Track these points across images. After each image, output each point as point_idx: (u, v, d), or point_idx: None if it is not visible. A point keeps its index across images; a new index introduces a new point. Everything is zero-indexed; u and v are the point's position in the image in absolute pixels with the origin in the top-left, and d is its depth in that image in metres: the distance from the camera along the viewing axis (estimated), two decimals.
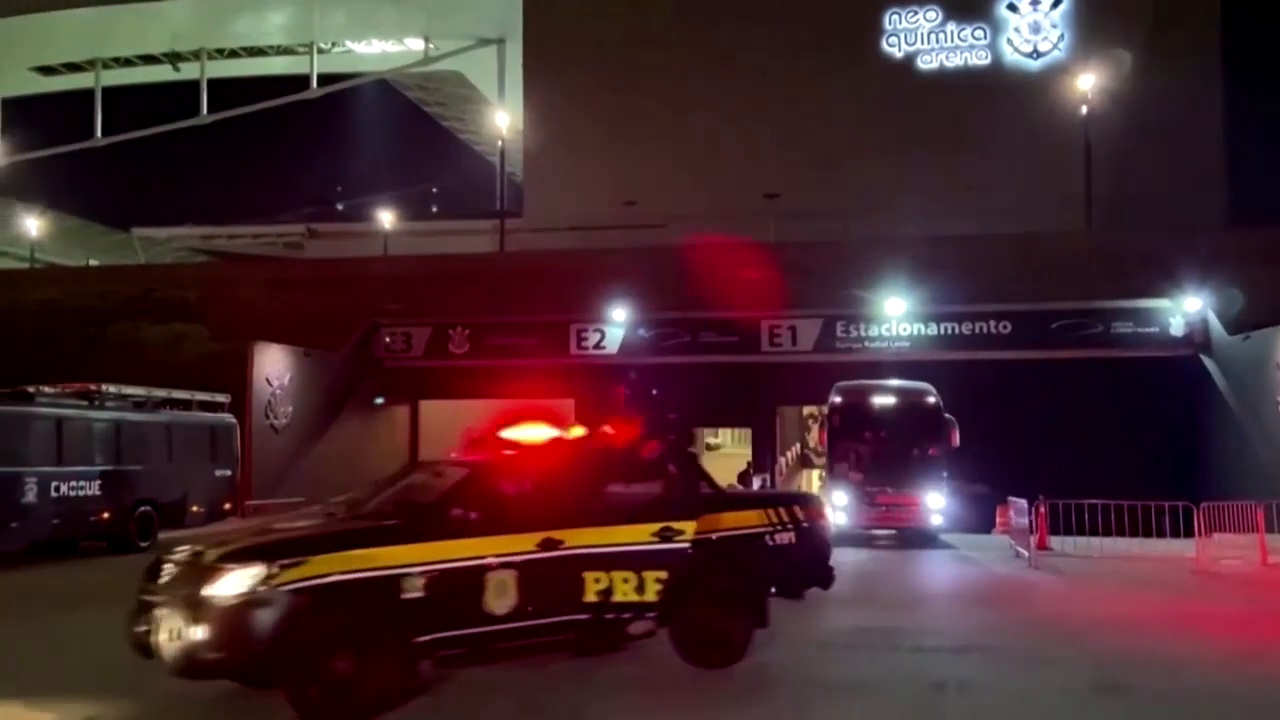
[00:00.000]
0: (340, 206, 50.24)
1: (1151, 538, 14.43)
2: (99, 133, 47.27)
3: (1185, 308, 22.55)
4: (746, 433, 33.34)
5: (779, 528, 8.14)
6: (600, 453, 7.86)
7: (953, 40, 38.91)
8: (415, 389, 28.54)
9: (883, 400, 18.58)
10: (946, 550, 16.69)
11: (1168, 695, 7.13)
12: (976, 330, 23.95)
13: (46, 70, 49.73)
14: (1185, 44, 36.23)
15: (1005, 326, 23.71)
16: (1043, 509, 15.26)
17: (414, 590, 6.51)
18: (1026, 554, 14.42)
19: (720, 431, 47.25)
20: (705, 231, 31.95)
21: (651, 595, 7.32)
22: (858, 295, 24.15)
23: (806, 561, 8.37)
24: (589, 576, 7.14)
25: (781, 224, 33.47)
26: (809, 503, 8.70)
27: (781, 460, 29.92)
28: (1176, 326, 22.82)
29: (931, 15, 39.06)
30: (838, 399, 18.55)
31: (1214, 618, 10.41)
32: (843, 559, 14.73)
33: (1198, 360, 22.34)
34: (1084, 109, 31.27)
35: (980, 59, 38.67)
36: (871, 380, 19.72)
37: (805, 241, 30.14)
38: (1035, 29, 38.38)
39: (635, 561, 7.29)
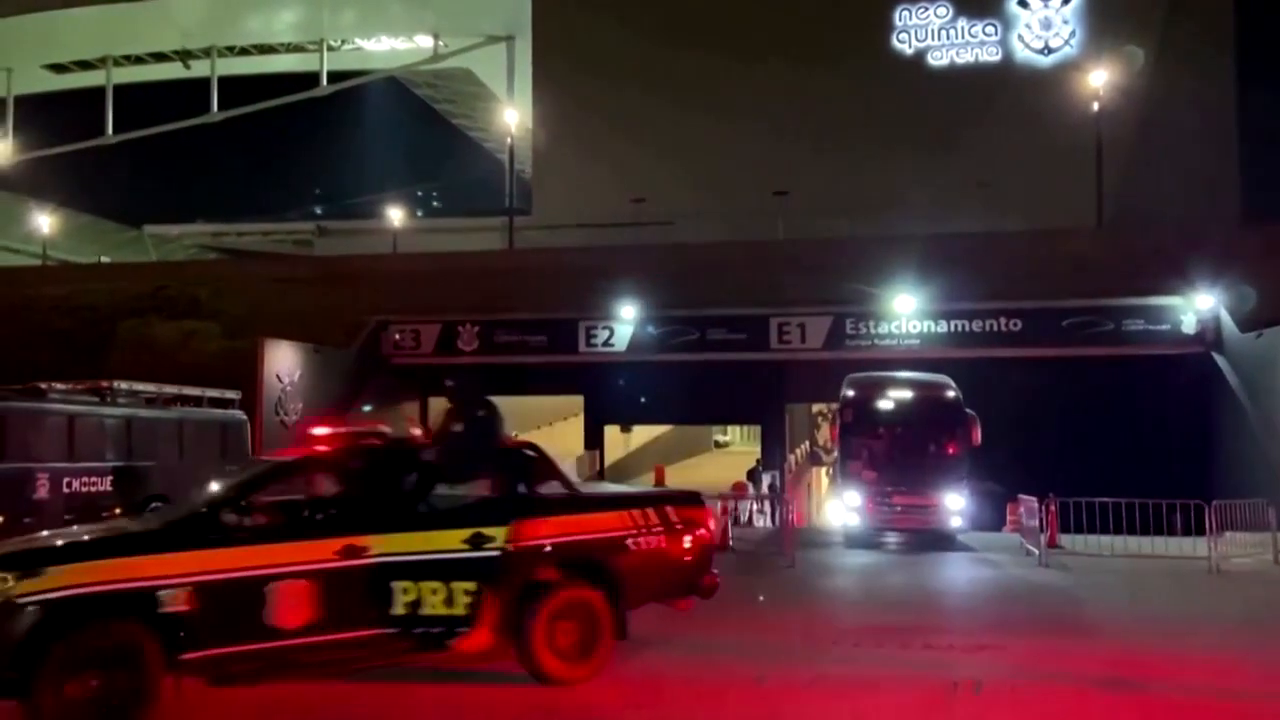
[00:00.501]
0: (349, 204, 50.34)
1: (1163, 536, 14.37)
2: (110, 130, 47.49)
3: (1197, 305, 22.42)
4: (756, 430, 33.34)
5: (645, 531, 7.43)
6: (418, 453, 7.29)
7: (963, 36, 38.78)
8: (424, 386, 28.57)
9: (899, 393, 17.41)
10: (960, 550, 16.25)
11: (1178, 694, 7.10)
12: (987, 327, 23.85)
13: (58, 68, 49.99)
14: (1198, 40, 36.07)
15: (1016, 324, 23.61)
16: (1053, 507, 15.21)
17: (175, 604, 6.00)
18: (1037, 552, 14.38)
19: (729, 429, 47.33)
20: (713, 228, 32.07)
21: (460, 608, 6.69)
22: (866, 291, 24.09)
23: (680, 568, 7.65)
24: (397, 587, 6.57)
25: (790, 221, 33.45)
26: (685, 503, 7.91)
27: (791, 458, 29.88)
28: (1188, 324, 22.69)
29: (942, 11, 38.95)
30: (851, 392, 17.47)
31: (1225, 617, 10.37)
32: (853, 560, 14.78)
33: (1209, 358, 22.22)
34: (1095, 106, 31.13)
35: (991, 55, 38.55)
36: (887, 372, 18.97)
37: (814, 239, 30.11)
38: (1046, 25, 38.23)
39: (444, 571, 6.69)
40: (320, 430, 7.37)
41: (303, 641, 6.33)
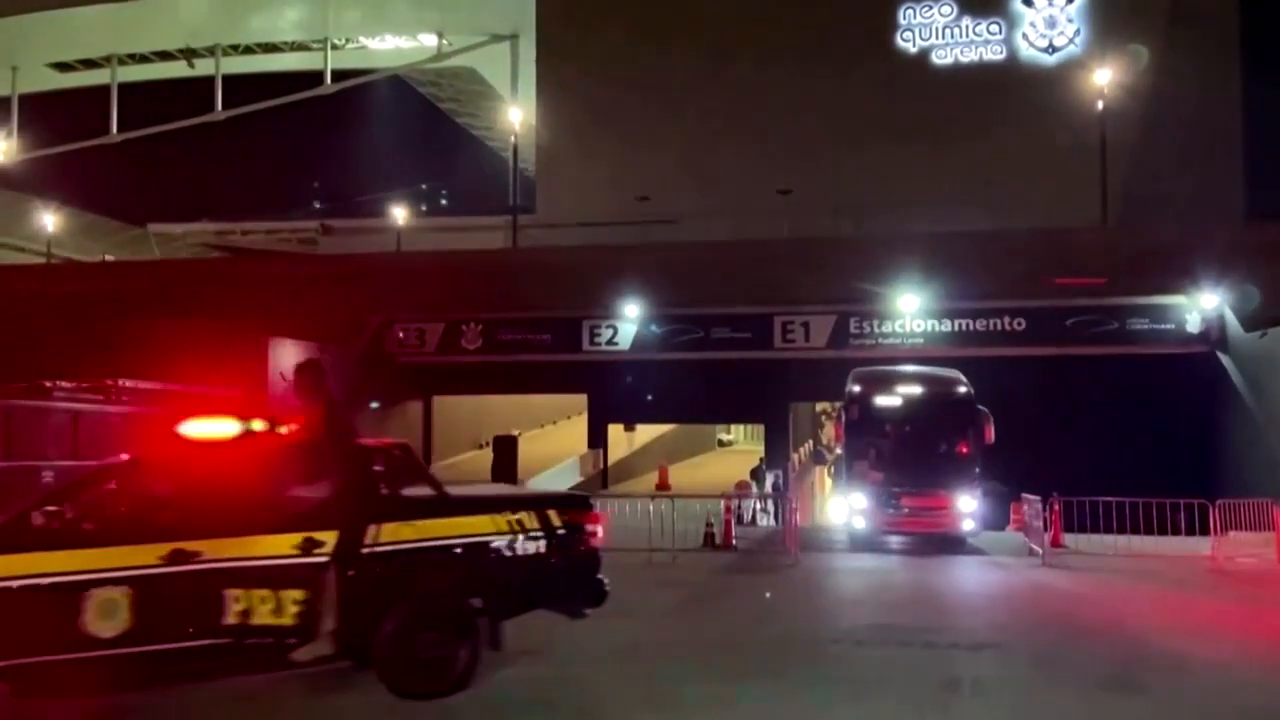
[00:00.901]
0: (354, 203, 50.41)
1: (1166, 535, 14.35)
2: (115, 129, 47.57)
3: (1201, 304, 22.41)
4: (759, 429, 33.34)
5: (522, 536, 6.92)
6: (262, 451, 6.82)
7: (968, 35, 38.74)
8: (428, 385, 28.63)
9: (908, 389, 16.69)
10: (968, 553, 15.79)
11: (1181, 694, 7.10)
12: (991, 326, 23.87)
13: (63, 67, 50.07)
14: (1203, 38, 36.00)
15: (1020, 323, 23.62)
16: (1057, 506, 15.20)
17: None
18: (1040, 551, 14.37)
19: (733, 428, 47.34)
20: (717, 227, 32.06)
21: (289, 618, 6.25)
22: (870, 290, 24.08)
23: (562, 574, 7.13)
24: (230, 595, 6.17)
25: (794, 220, 33.43)
26: (570, 506, 7.37)
27: (794, 456, 29.89)
28: (1192, 323, 22.70)
29: (946, 10, 38.91)
30: (857, 388, 16.67)
31: (1229, 616, 10.36)
32: (856, 563, 14.73)
33: (1214, 357, 22.21)
34: (1100, 104, 31.08)
35: (995, 54, 38.50)
36: (895, 367, 18.66)
37: (818, 237, 30.11)
38: (1051, 23, 38.18)
39: (273, 578, 6.25)
40: (194, 425, 6.72)
41: (123, 652, 5.95)
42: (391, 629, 6.44)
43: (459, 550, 6.78)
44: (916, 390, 16.69)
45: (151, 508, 6.45)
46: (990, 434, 15.76)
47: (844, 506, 17.25)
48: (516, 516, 6.98)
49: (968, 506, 15.68)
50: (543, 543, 6.99)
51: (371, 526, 6.50)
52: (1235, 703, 6.92)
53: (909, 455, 16.16)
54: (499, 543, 6.87)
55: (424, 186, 51.53)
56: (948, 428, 16.16)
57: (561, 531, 7.07)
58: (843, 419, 17.08)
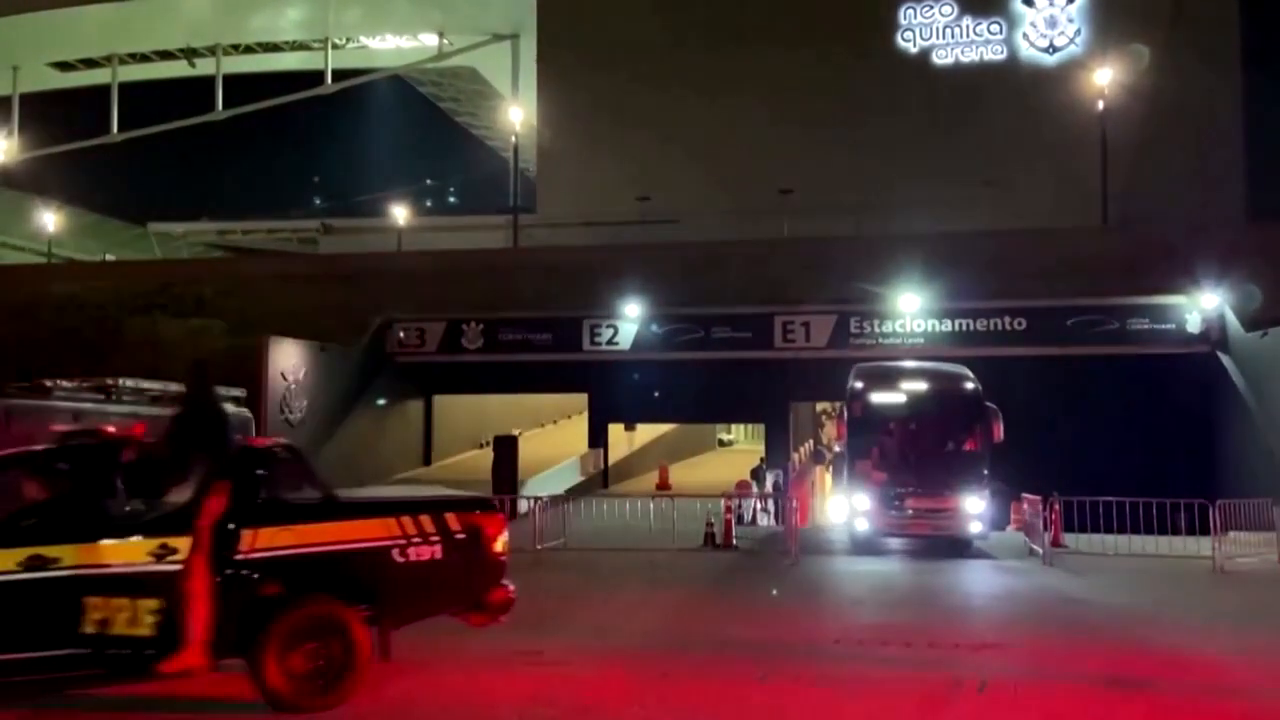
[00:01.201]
0: (354, 202, 50.47)
1: (1167, 535, 14.36)
2: (115, 128, 47.61)
3: (1202, 304, 22.38)
4: (760, 429, 33.32)
5: (416, 541, 6.62)
6: (127, 454, 6.64)
7: (968, 35, 38.76)
8: (429, 384, 28.62)
9: (913, 385, 16.20)
10: (974, 556, 15.38)
11: (1180, 693, 7.10)
12: (991, 326, 23.82)
13: (64, 66, 50.12)
14: (1203, 39, 36.01)
15: (1020, 323, 23.58)
16: (1057, 506, 15.19)
17: None
18: (1041, 551, 14.37)
19: (733, 428, 47.32)
20: (718, 226, 32.07)
21: (146, 628, 6.03)
22: (871, 290, 24.08)
23: (460, 581, 6.85)
24: (89, 603, 5.96)
25: (795, 219, 33.43)
26: (469, 510, 7.05)
27: (795, 456, 29.88)
28: (1193, 323, 22.66)
29: (947, 10, 38.93)
30: (859, 384, 16.10)
31: (1228, 616, 10.36)
32: (857, 565, 14.67)
33: (1214, 357, 22.18)
34: (1100, 104, 31.08)
35: (996, 54, 38.52)
36: (899, 362, 18.28)
37: (819, 237, 30.10)
38: (1051, 23, 38.19)
39: (129, 586, 6.03)
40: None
41: None
42: (268, 639, 6.19)
43: (344, 555, 6.50)
44: (922, 386, 16.13)
45: (17, 511, 6.24)
46: (999, 432, 15.13)
47: (846, 507, 16.81)
48: (410, 520, 6.69)
49: (975, 508, 15.09)
50: (439, 547, 6.69)
51: (246, 532, 6.27)
52: (1233, 702, 6.92)
53: (914, 454, 15.60)
54: (389, 548, 6.59)
55: (425, 185, 51.64)
56: (955, 425, 15.69)
57: (460, 536, 6.79)
58: (845, 416, 16.55)
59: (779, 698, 6.96)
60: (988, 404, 15.37)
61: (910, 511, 15.14)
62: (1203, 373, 22.25)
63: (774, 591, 11.45)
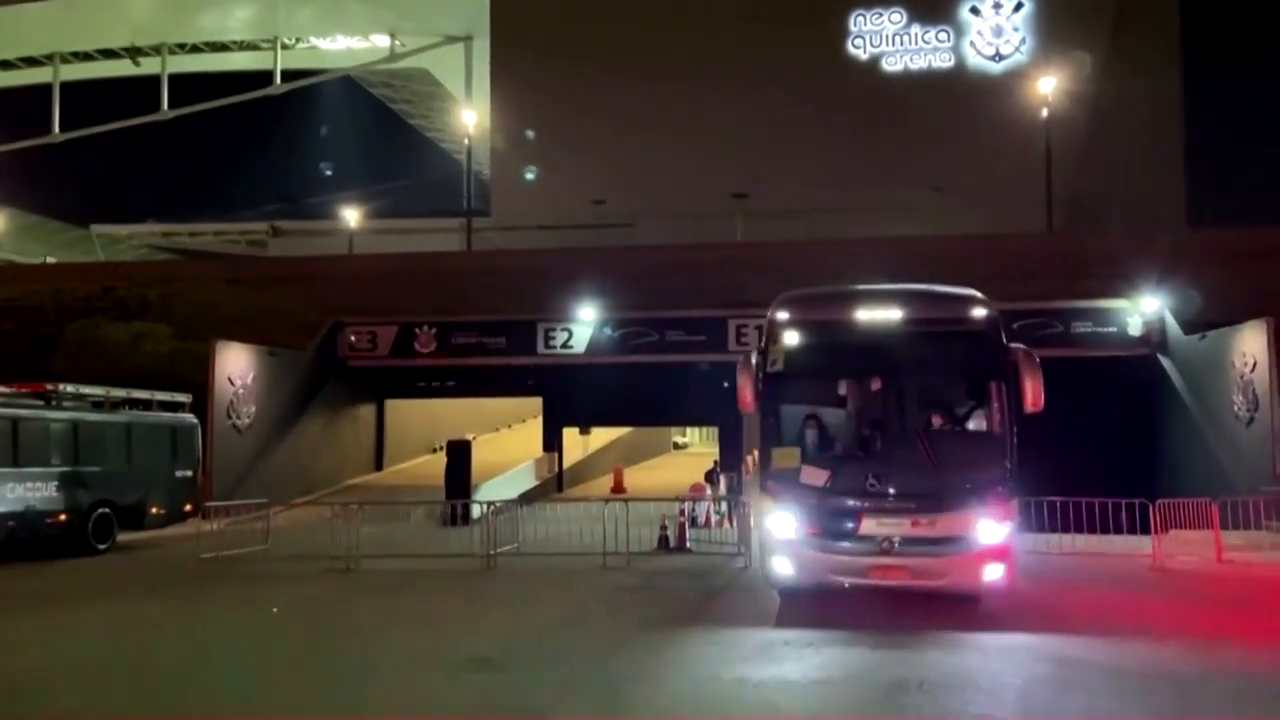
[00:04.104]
0: (304, 204, 49.80)
1: (1109, 534, 14.65)
2: (57, 128, 46.55)
3: (1143, 308, 22.92)
4: (714, 431, 33.46)
5: None
6: None
7: (917, 43, 39.34)
8: (381, 388, 28.35)
9: (877, 313, 9.68)
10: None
11: (1121, 684, 7.26)
12: None
13: (4, 64, 48.87)
14: (1145, 46, 36.92)
15: None
16: None
17: None
18: None
19: (688, 431, 47.48)
20: (673, 230, 32.18)
21: None
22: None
23: None
24: None
25: (749, 223, 33.65)
26: None
27: (748, 459, 30.04)
28: (1134, 326, 23.19)
29: (896, 18, 39.47)
30: (783, 313, 9.91)
31: (1168, 612, 10.60)
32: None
33: (1155, 360, 22.72)
34: (1045, 112, 31.69)
35: (944, 61, 39.14)
36: (854, 287, 11.07)
37: (772, 241, 30.33)
38: (997, 32, 38.88)
39: None
40: None
41: None
42: None
43: None
44: (893, 315, 9.63)
45: None
46: (1036, 394, 9.31)
47: (770, 538, 9.81)
48: None
49: (992, 535, 9.12)
50: None
51: None
52: (1170, 688, 7.10)
53: (878, 437, 9.51)
54: None
55: (377, 188, 51.12)
56: (954, 383, 10.05)
57: None
58: (753, 372, 9.84)
59: (722, 699, 6.94)
60: (1015, 345, 9.65)
61: (879, 546, 9.15)
62: (1144, 375, 22.78)
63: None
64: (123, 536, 16.06)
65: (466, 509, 18.32)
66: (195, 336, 23.47)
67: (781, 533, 9.57)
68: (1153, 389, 22.74)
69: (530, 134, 39.28)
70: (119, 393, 16.93)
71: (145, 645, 9.13)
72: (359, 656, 8.42)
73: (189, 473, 17.60)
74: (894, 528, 9.23)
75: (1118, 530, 14.80)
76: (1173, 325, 22.35)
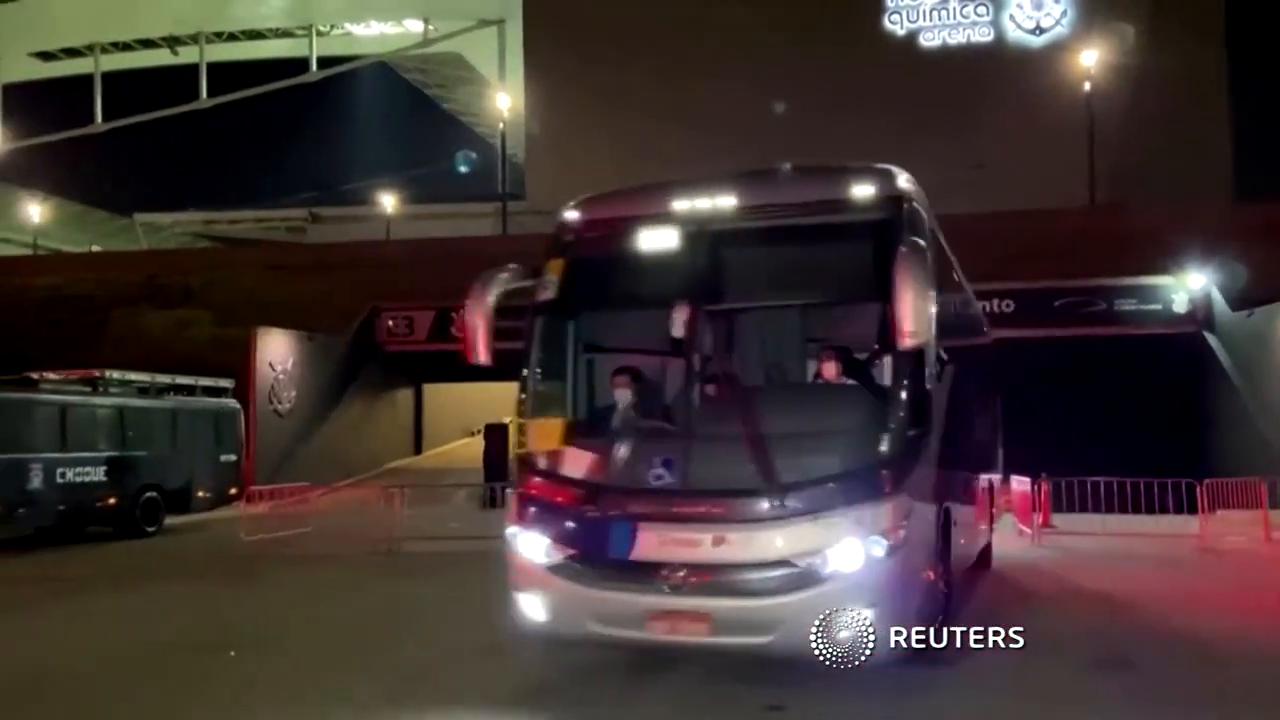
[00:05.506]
0: (342, 190, 50.24)
1: (1155, 515, 14.45)
2: (99, 118, 47.26)
3: (1189, 284, 22.47)
4: None
5: None
6: None
7: (955, 17, 38.71)
8: (418, 373, 28.58)
9: (703, 205, 6.39)
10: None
11: (1168, 670, 7.16)
12: (979, 309, 23.88)
13: (46, 56, 49.70)
14: (1189, 18, 36.05)
15: (1008, 305, 23.62)
16: (1045, 486, 15.27)
17: None
18: (1030, 531, 14.45)
19: None
20: None
21: None
22: None
23: None
24: None
25: None
26: None
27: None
28: (1180, 303, 22.76)
29: None
30: (574, 215, 7.41)
31: (1216, 594, 10.44)
32: None
33: (1201, 337, 22.29)
34: (1087, 85, 31.09)
35: (983, 36, 38.50)
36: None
37: None
38: (1038, 5, 38.17)
39: None
40: None
41: None
42: None
43: None
44: (728, 204, 6.37)
45: None
46: (918, 314, 5.45)
47: (514, 560, 6.37)
48: None
49: (859, 559, 5.52)
50: None
51: None
52: (1218, 680, 6.99)
53: (694, 400, 6.25)
54: None
55: (412, 173, 51.41)
56: (826, 307, 6.81)
57: None
58: (532, 314, 7.22)
59: (744, 681, 6.97)
60: (918, 241, 5.92)
61: (655, 574, 5.72)
62: (1189, 353, 22.36)
63: None
64: (169, 520, 16.38)
65: (504, 491, 18.44)
66: (236, 323, 23.79)
67: (529, 552, 6.10)
68: (1199, 367, 22.33)
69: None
70: (164, 379, 17.22)
71: (223, 625, 9.21)
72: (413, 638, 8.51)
73: (233, 457, 17.89)
74: (688, 548, 5.60)
75: (1164, 511, 14.61)
76: (1219, 301, 21.90)
